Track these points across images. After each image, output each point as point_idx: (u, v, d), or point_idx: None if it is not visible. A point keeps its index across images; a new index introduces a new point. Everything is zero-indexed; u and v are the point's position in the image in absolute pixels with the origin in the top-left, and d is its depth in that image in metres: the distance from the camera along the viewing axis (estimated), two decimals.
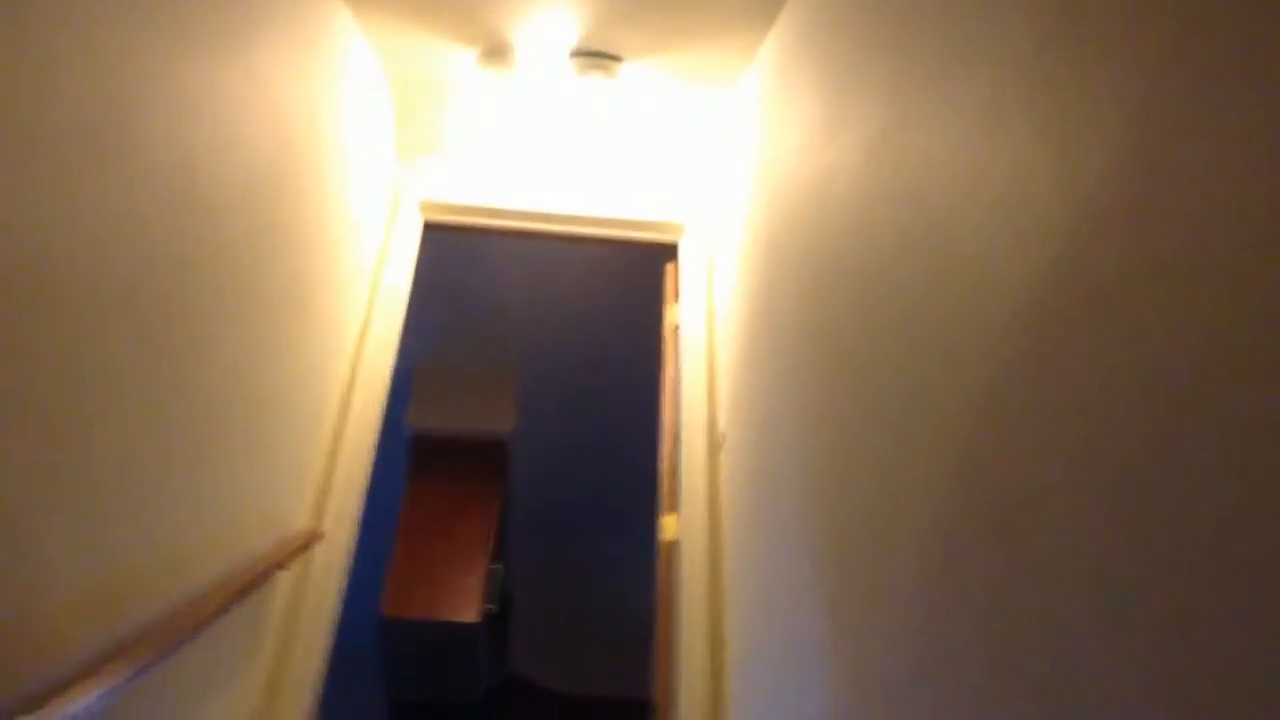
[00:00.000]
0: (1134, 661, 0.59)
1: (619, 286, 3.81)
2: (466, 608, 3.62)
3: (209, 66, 1.33)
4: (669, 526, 2.48)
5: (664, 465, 2.63)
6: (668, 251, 2.94)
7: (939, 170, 1.04)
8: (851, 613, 1.19)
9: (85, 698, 0.97)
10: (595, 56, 2.26)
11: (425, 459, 4.21)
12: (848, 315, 1.34)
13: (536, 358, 4.26)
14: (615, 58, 2.27)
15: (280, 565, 1.83)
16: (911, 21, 1.19)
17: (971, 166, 0.94)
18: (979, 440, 0.85)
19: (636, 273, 3.60)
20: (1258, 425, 0.49)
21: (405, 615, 3.57)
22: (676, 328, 2.76)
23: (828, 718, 1.23)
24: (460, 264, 3.75)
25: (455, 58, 2.35)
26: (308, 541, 2.05)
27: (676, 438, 2.58)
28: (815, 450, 1.45)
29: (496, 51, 2.28)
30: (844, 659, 1.19)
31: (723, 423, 2.36)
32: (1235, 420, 0.51)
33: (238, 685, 1.83)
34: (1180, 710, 0.54)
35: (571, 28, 2.15)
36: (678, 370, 2.67)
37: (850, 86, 1.45)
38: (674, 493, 2.50)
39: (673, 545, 2.45)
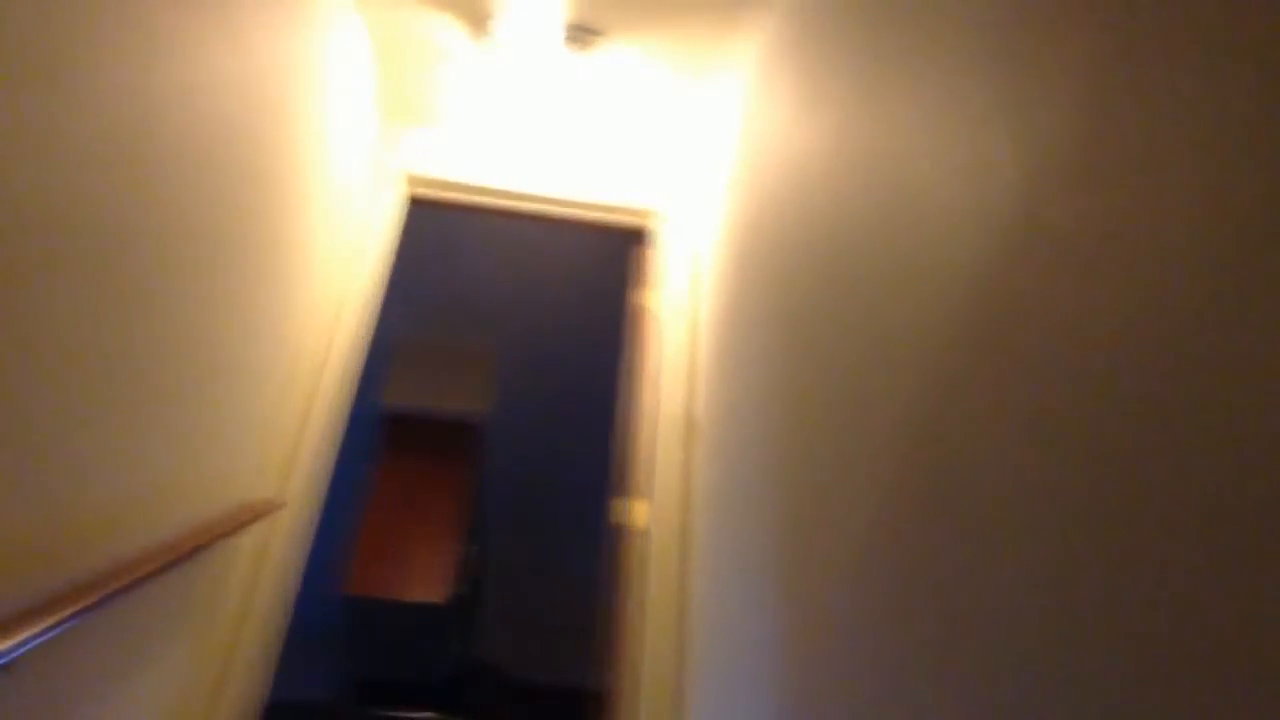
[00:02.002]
0: (1085, 650, 0.58)
1: (598, 268, 3.78)
2: (433, 589, 3.59)
3: (180, 10, 1.29)
4: (635, 512, 2.46)
5: (628, 451, 2.61)
6: (644, 234, 2.92)
7: (905, 136, 1.04)
8: (805, 600, 1.17)
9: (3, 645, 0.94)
10: (580, 30, 2.23)
11: (399, 437, 4.17)
12: (817, 297, 1.34)
13: (515, 340, 4.23)
14: (599, 33, 2.24)
15: (232, 533, 1.79)
16: (884, 6, 1.20)
17: (933, 130, 0.95)
18: (932, 420, 0.84)
19: (616, 255, 3.58)
20: (1215, 392, 0.48)
21: (370, 594, 3.54)
22: (646, 311, 2.74)
23: (779, 706, 1.21)
24: (443, 241, 3.71)
25: (439, 25, 2.32)
26: (267, 511, 2.01)
27: (645, 423, 2.56)
28: (780, 436, 1.44)
29: (481, 20, 2.24)
30: (795, 649, 1.18)
31: (697, 409, 2.35)
32: (1213, 375, 0.50)
33: (179, 652, 1.79)
34: (1132, 699, 0.52)
35: (557, 1, 2.12)
36: (652, 355, 2.64)
37: (828, 66, 1.45)
38: (640, 479, 2.48)
39: (638, 532, 2.43)
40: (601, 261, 3.66)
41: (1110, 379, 0.58)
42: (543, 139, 2.89)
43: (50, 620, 1.04)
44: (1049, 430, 0.64)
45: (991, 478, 0.72)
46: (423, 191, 2.83)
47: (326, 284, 2.44)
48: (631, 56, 2.36)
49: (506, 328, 4.14)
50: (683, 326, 2.62)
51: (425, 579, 3.66)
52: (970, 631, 0.71)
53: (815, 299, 1.35)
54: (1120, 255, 0.59)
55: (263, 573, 2.14)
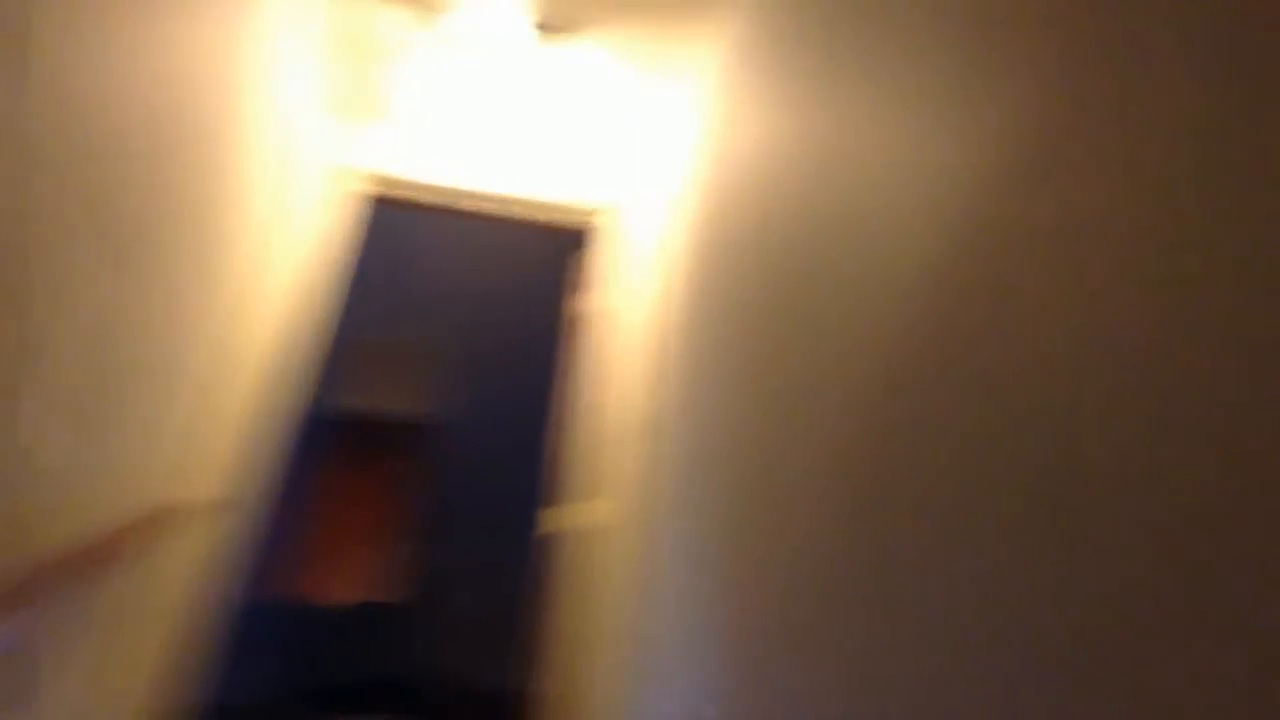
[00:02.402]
0: (1017, 647, 0.58)
1: (547, 270, 3.75)
2: (374, 591, 3.52)
3: None
4: (582, 514, 2.43)
5: (574, 452, 2.59)
6: (592, 236, 2.90)
7: (862, 144, 1.06)
8: (745, 593, 1.18)
9: None
10: (541, 26, 2.19)
11: (341, 438, 4.08)
12: (771, 292, 1.35)
13: (463, 340, 4.17)
14: (560, 29, 2.21)
15: (161, 534, 1.72)
16: (843, 6, 1.23)
17: (890, 141, 0.97)
18: (879, 410, 0.86)
19: (565, 257, 3.55)
20: (1159, 381, 0.49)
21: (310, 597, 3.45)
22: (595, 311, 2.72)
23: (715, 701, 1.21)
24: (393, 239, 3.64)
25: (392, 18, 2.26)
26: (197, 512, 1.94)
27: (592, 424, 2.53)
28: (729, 431, 1.45)
29: (436, 13, 2.19)
30: (734, 641, 1.18)
31: (644, 409, 2.34)
32: (1158, 386, 0.51)
33: (102, 658, 1.71)
34: (1081, 688, 0.53)
35: None
36: (603, 354, 2.62)
37: (791, 65, 1.47)
38: (586, 481, 2.45)
39: (587, 533, 2.41)
40: (556, 260, 3.63)
41: (1057, 371, 0.59)
42: (496, 137, 2.84)
43: None
44: (995, 422, 0.65)
45: (936, 466, 0.73)
46: (372, 188, 2.76)
47: (269, 282, 2.37)
48: (591, 52, 2.33)
49: (454, 328, 4.08)
50: (633, 325, 2.60)
51: (366, 582, 3.59)
52: (912, 619, 0.72)
53: (770, 294, 1.36)
54: (1065, 251, 0.60)
55: (193, 575, 2.05)
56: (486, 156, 2.82)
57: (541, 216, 2.84)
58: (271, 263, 2.40)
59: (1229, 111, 0.47)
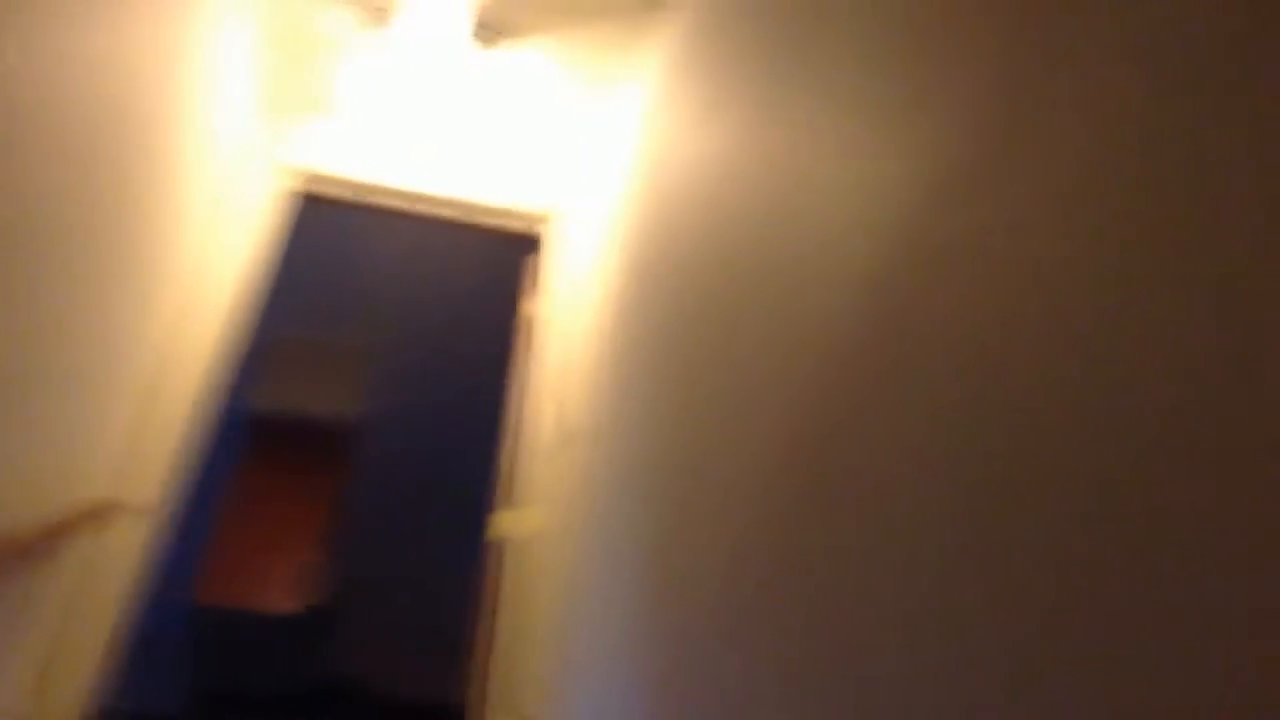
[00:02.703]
0: (963, 652, 0.61)
1: (484, 273, 3.73)
2: (286, 599, 3.43)
3: None
4: (514, 522, 2.43)
5: (512, 460, 2.59)
6: (533, 242, 2.91)
7: (797, 148, 1.08)
8: (676, 600, 1.20)
9: None
10: (480, 29, 2.20)
11: (263, 439, 3.97)
12: (707, 302, 1.36)
13: (391, 343, 4.11)
14: (500, 33, 2.22)
15: (69, 536, 1.66)
16: (784, 16, 1.24)
17: (825, 150, 0.99)
18: (811, 420, 0.88)
19: (503, 262, 3.54)
20: (1095, 390, 0.51)
21: (219, 602, 3.34)
22: (535, 317, 2.72)
23: (645, 709, 1.23)
24: (331, 239, 3.57)
25: (334, 15, 2.24)
26: (109, 513, 1.88)
27: (529, 431, 2.54)
28: (663, 439, 1.46)
29: (379, 11, 2.19)
30: (664, 650, 1.19)
31: (581, 416, 2.35)
32: (1065, 381, 0.54)
33: (8, 660, 1.64)
34: (1009, 695, 0.56)
35: None
36: (540, 362, 2.63)
37: (727, 75, 1.48)
38: (521, 489, 2.46)
39: (510, 543, 2.41)
40: (496, 265, 3.61)
41: (989, 374, 0.61)
42: (439, 138, 2.83)
43: None
44: (922, 434, 0.68)
45: (866, 476, 0.75)
46: (309, 186, 2.72)
47: (200, 279, 2.31)
48: (534, 58, 2.35)
49: (392, 330, 4.02)
50: (571, 333, 2.61)
51: (282, 589, 3.50)
52: (842, 627, 0.74)
53: (705, 301, 1.37)
54: (998, 268, 0.62)
55: (107, 577, 1.99)
56: (428, 158, 2.80)
57: (484, 220, 2.83)
58: (211, 263, 2.35)
59: (1162, 122, 0.50)
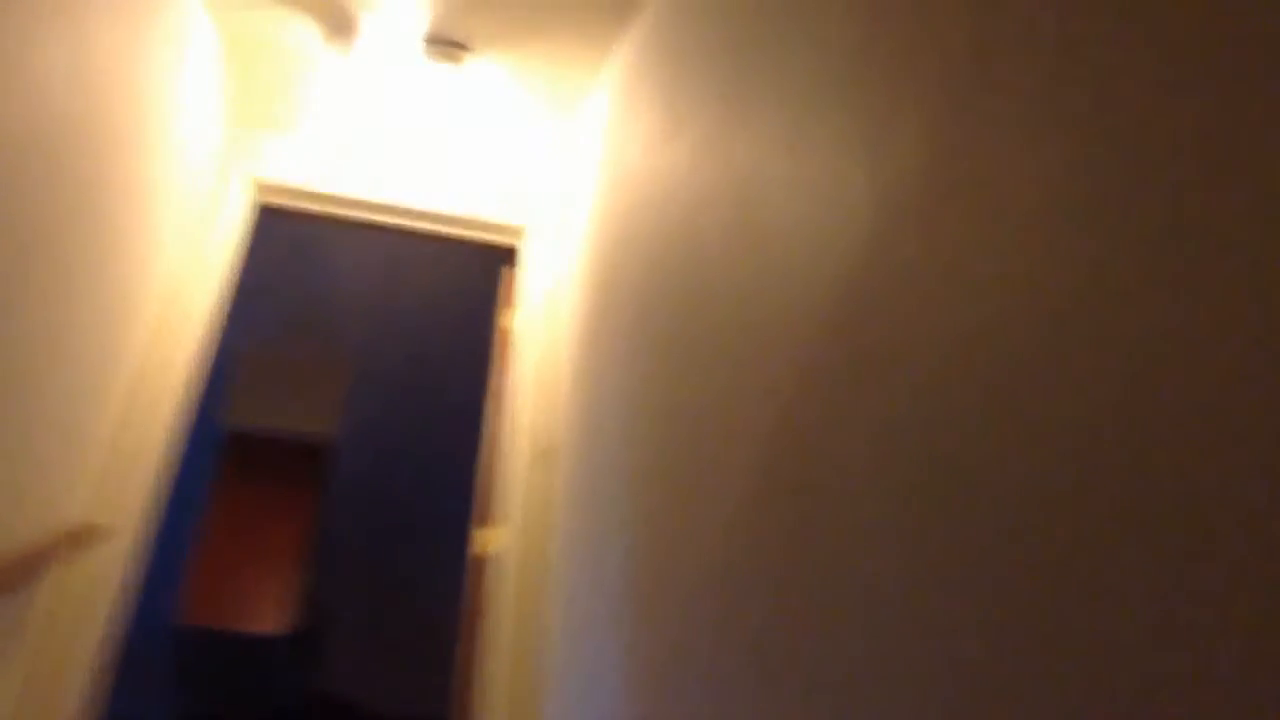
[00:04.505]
0: (929, 658, 0.62)
1: (459, 289, 3.74)
2: (270, 619, 3.40)
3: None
4: (494, 539, 2.44)
5: (490, 477, 2.59)
6: (507, 255, 2.91)
7: (760, 164, 1.09)
8: (656, 615, 1.21)
9: None
10: (445, 45, 2.22)
11: (240, 458, 3.94)
12: (677, 316, 1.38)
13: (368, 358, 4.10)
14: (465, 47, 2.24)
15: (51, 560, 1.65)
16: (746, 31, 1.26)
17: (788, 159, 1.00)
18: (785, 433, 0.90)
19: (477, 275, 3.55)
20: (1066, 405, 0.53)
21: (203, 623, 3.31)
22: (510, 332, 2.73)
23: None
24: (293, 252, 3.56)
25: (297, 30, 2.24)
26: (88, 537, 1.86)
27: (507, 447, 2.55)
28: (639, 454, 1.47)
29: (342, 28, 2.19)
30: (646, 666, 1.20)
31: (556, 433, 2.35)
32: (1041, 398, 0.55)
33: None
34: (980, 699, 0.58)
35: (421, 11, 2.11)
36: (515, 377, 2.64)
37: (689, 90, 1.50)
38: (501, 505, 2.46)
39: (491, 559, 2.41)
40: (469, 280, 3.61)
41: (950, 395, 0.64)
42: (407, 151, 2.83)
43: None
44: (895, 443, 0.70)
45: (832, 481, 0.78)
46: (277, 199, 2.71)
47: (171, 296, 2.30)
48: (499, 73, 2.37)
49: (367, 347, 4.01)
50: (545, 347, 2.62)
51: (264, 609, 3.46)
52: (816, 628, 0.76)
53: (675, 318, 1.38)
54: (958, 283, 0.65)
55: (91, 601, 1.97)
56: (401, 172, 2.80)
57: (459, 233, 2.84)
58: (183, 279, 2.34)
59: (1114, 145, 0.52)
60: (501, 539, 2.38)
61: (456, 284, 3.74)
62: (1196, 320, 0.44)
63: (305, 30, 2.24)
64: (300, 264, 3.58)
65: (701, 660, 1.00)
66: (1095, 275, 0.51)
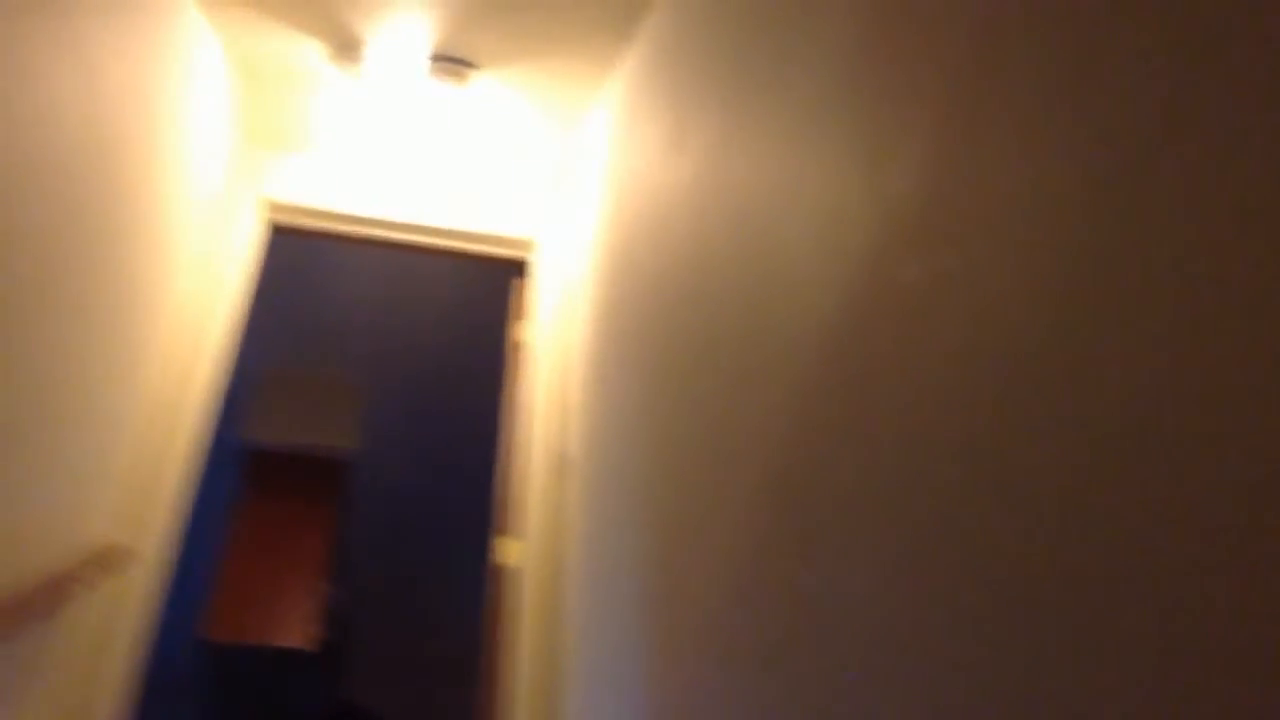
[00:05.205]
0: (930, 669, 0.63)
1: (471, 302, 3.76)
2: (297, 633, 3.43)
3: (11, 24, 1.22)
4: (511, 551, 2.45)
5: (506, 488, 2.60)
6: (519, 267, 2.93)
7: (763, 181, 1.10)
8: (670, 632, 1.21)
9: None
10: (451, 62, 2.24)
11: (260, 474, 3.98)
12: (682, 333, 1.38)
13: (384, 373, 4.13)
14: (471, 65, 2.25)
15: (84, 581, 1.68)
16: (747, 46, 1.26)
17: (791, 177, 1.00)
18: (791, 447, 0.90)
19: (489, 289, 3.57)
20: (1062, 425, 0.54)
21: (230, 639, 3.34)
22: (522, 345, 2.74)
23: None
24: (307, 271, 3.59)
25: (306, 52, 2.27)
26: (114, 558, 1.89)
27: (521, 459, 2.56)
28: (647, 468, 1.47)
29: (349, 48, 2.22)
30: (661, 684, 1.21)
31: (570, 444, 2.36)
32: (1038, 418, 0.56)
33: (34, 705, 1.65)
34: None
35: (427, 30, 2.13)
36: (528, 390, 2.65)
37: (692, 104, 1.50)
38: (516, 517, 2.47)
39: (510, 570, 2.43)
40: (480, 294, 3.63)
41: (955, 410, 0.64)
42: (416, 168, 2.86)
43: None
44: (901, 457, 0.70)
45: (836, 495, 0.78)
46: (288, 219, 2.74)
47: (187, 317, 2.33)
48: (505, 89, 2.38)
49: (382, 362, 4.04)
50: (557, 360, 2.64)
51: (288, 623, 3.49)
52: (826, 642, 0.77)
53: (680, 334, 1.39)
54: (960, 307, 0.65)
55: (118, 621, 2.00)
56: (412, 189, 2.83)
57: (470, 248, 2.86)
58: (200, 300, 2.37)
59: (1123, 163, 0.52)
60: (520, 552, 2.39)
61: (469, 297, 3.76)
62: (1201, 347, 0.44)
63: (312, 51, 2.26)
64: (313, 282, 3.62)
65: (715, 672, 1.00)
66: (1102, 295, 0.51)
